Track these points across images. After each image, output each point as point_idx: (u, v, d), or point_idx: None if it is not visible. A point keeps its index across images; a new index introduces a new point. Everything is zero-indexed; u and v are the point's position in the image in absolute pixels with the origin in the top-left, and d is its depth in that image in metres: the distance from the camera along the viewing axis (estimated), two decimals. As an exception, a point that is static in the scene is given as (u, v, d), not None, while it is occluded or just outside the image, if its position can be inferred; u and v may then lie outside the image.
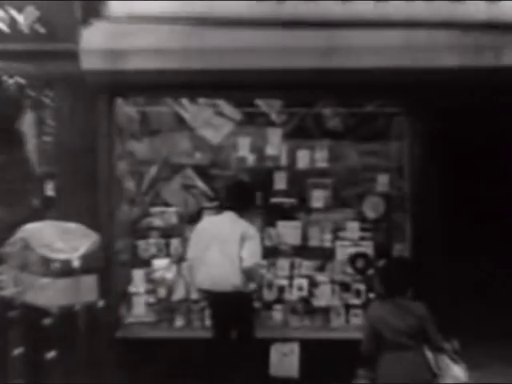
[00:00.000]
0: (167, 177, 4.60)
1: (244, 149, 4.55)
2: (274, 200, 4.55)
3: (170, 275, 4.50)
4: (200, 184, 4.61)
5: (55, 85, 4.21)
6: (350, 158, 4.59)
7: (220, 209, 3.88)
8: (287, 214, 4.56)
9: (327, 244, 4.52)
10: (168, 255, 4.50)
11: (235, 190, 3.84)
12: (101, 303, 3.83)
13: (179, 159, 4.59)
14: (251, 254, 3.58)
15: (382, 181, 4.47)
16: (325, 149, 4.53)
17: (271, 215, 4.51)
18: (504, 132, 4.46)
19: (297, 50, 3.86)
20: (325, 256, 4.52)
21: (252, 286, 3.71)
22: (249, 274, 3.59)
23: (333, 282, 4.47)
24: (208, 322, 4.13)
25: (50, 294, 3.60)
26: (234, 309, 3.61)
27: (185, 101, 4.48)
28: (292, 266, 4.50)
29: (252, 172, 4.57)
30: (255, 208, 4.32)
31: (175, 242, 4.50)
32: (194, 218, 4.44)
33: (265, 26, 3.86)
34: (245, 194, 3.82)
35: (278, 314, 4.43)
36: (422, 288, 3.64)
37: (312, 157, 4.52)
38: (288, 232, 4.50)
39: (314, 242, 4.53)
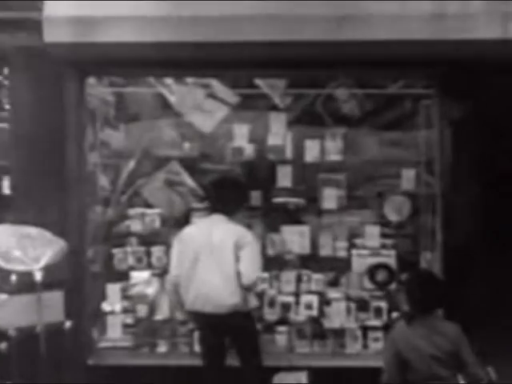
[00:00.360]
0: (149, 172, 4.62)
1: (241, 138, 4.55)
2: (278, 200, 4.59)
3: (151, 290, 4.52)
4: (188, 180, 4.61)
5: (12, 60, 4.17)
6: (369, 149, 4.61)
7: (211, 211, 3.87)
8: (293, 217, 4.58)
9: (341, 253, 4.53)
10: (149, 266, 4.52)
11: (222, 187, 3.77)
12: (68, 324, 3.86)
13: (163, 151, 4.59)
14: (251, 266, 3.53)
15: (408, 177, 4.48)
16: (338, 138, 4.54)
17: (274, 218, 4.54)
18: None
19: (304, 18, 3.83)
20: (338, 268, 4.54)
21: (254, 302, 3.69)
22: (250, 291, 3.59)
23: (348, 298, 4.48)
24: (197, 347, 4.11)
25: (6, 314, 3.61)
26: (232, 331, 3.58)
27: (170, 80, 4.48)
28: (299, 280, 4.51)
29: (250, 166, 4.59)
30: (254, 210, 4.42)
31: (158, 251, 4.51)
32: (180, 221, 4.44)
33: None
34: (234, 192, 3.74)
35: (282, 337, 4.43)
36: (455, 306, 3.67)
37: (323, 148, 4.53)
38: (294, 239, 4.51)
39: (325, 251, 4.54)
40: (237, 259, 3.50)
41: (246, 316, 3.62)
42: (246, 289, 3.53)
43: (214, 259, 3.51)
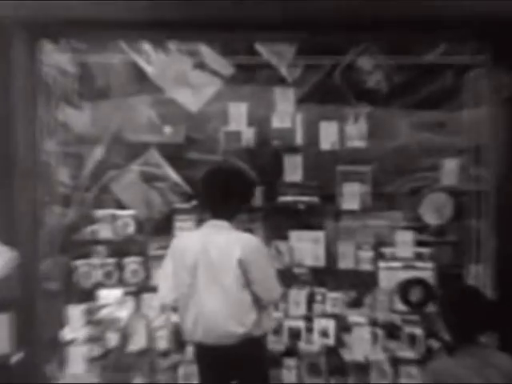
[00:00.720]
0: (121, 163, 4.59)
1: (238, 120, 4.56)
2: (285, 199, 4.57)
3: (124, 314, 4.51)
4: (171, 174, 4.58)
5: None
6: (401, 133, 4.64)
7: (201, 212, 3.95)
8: (304, 221, 4.59)
9: (365, 266, 4.54)
10: (122, 283, 4.53)
11: (220, 181, 3.56)
12: (18, 356, 3.87)
13: (139, 136, 4.58)
14: (269, 284, 3.46)
15: (450, 169, 4.49)
16: (362, 120, 4.53)
17: (280, 222, 4.52)
18: None
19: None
20: (362, 284, 4.55)
21: (269, 324, 3.59)
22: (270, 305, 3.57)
23: (374, 323, 4.48)
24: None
25: None
26: (239, 362, 3.47)
27: (147, 46, 4.42)
28: (312, 300, 4.54)
29: (250, 156, 4.57)
30: (254, 211, 4.43)
31: (133, 263, 4.55)
32: (161, 226, 4.47)
33: None
34: (237, 187, 3.55)
35: (290, 372, 4.44)
36: (510, 332, 3.67)
37: (342, 132, 4.53)
38: (306, 247, 4.53)
39: (345, 263, 4.54)
40: (244, 275, 3.38)
41: (257, 343, 3.49)
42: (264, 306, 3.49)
43: (215, 278, 3.40)
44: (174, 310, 4.11)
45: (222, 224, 3.48)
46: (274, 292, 3.49)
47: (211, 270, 3.40)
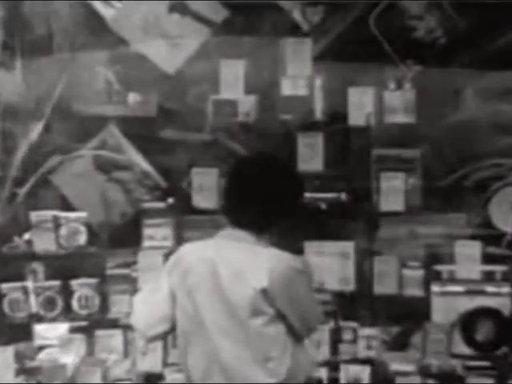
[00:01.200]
0: (66, 145, 4.58)
1: (233, 85, 4.47)
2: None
3: (70, 359, 4.42)
4: (138, 160, 4.53)
5: None
6: (463, 104, 4.63)
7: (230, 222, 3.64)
8: (326, 226, 4.52)
9: (412, 290, 4.41)
10: (67, 315, 4.47)
11: (244, 180, 3.44)
12: None
13: (92, 107, 4.53)
14: (305, 315, 3.36)
15: None
16: (408, 85, 4.43)
17: (293, 228, 4.09)
18: None
19: None
20: (407, 317, 4.47)
21: (309, 369, 3.46)
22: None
23: (425, 372, 4.33)
24: None
25: None
26: None
27: None
28: (337, 339, 4.44)
29: (250, 135, 4.54)
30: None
31: (83, 287, 4.46)
32: (124, 234, 4.47)
33: None
34: (279, 186, 3.42)
35: None
36: None
37: (380, 102, 4.42)
38: (329, 264, 4.41)
39: (383, 287, 4.41)
40: (271, 306, 3.24)
41: None
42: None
43: (229, 310, 3.28)
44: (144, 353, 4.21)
45: (245, 236, 3.33)
46: (313, 322, 3.42)
47: (223, 299, 3.29)
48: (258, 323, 3.26)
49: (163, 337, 3.69)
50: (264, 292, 3.18)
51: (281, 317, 3.29)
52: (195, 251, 3.51)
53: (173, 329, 3.47)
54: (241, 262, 3.30)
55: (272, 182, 3.40)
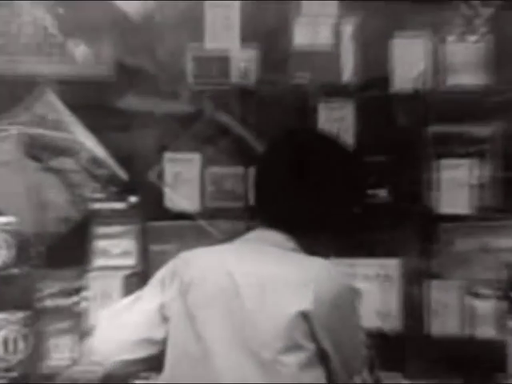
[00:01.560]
0: None
1: (222, 31, 4.23)
2: None
3: None
4: (85, 140, 4.23)
5: None
6: None
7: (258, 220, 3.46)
8: (361, 235, 4.16)
9: (483, 329, 4.14)
10: None
11: (285, 163, 3.20)
12: None
13: (22, 64, 4.24)
14: (352, 352, 3.18)
15: None
16: (478, 32, 4.17)
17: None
18: None
19: None
20: (475, 366, 4.15)
21: None
22: None
23: None
24: None
25: None
26: None
27: None
28: None
29: (247, 103, 4.33)
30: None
31: (6, 326, 4.16)
32: (66, 247, 4.17)
33: None
34: (331, 176, 3.21)
35: None
36: None
37: (437, 57, 4.16)
38: (363, 289, 3.83)
39: (441, 324, 4.16)
40: (312, 338, 2.98)
41: None
42: None
43: (249, 343, 3.03)
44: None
45: (282, 241, 3.13)
46: (356, 366, 3.15)
47: (242, 327, 3.04)
48: (292, 363, 2.96)
49: (133, 372, 3.35)
50: (305, 318, 2.86)
51: (321, 358, 2.96)
52: (203, 259, 3.34)
53: (156, 365, 3.13)
54: (273, 275, 3.03)
55: (342, 172, 3.17)
